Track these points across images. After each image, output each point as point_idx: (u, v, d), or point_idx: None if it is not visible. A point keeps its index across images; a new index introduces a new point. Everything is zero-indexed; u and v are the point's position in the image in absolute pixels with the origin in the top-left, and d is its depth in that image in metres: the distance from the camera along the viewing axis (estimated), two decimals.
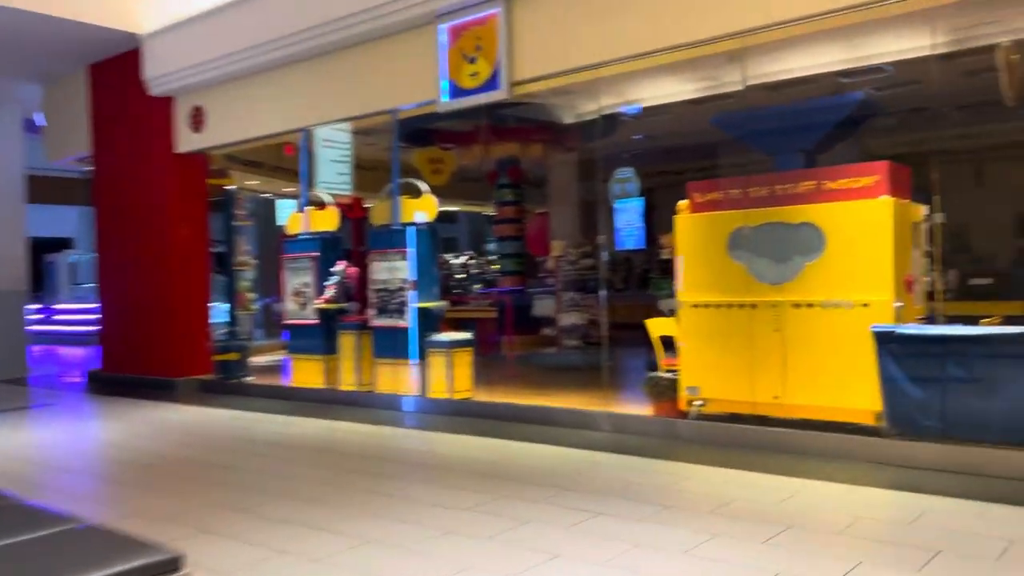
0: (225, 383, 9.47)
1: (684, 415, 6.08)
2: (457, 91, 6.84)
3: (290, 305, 8.98)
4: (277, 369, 10.64)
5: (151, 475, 5.51)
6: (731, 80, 9.52)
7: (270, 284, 11.88)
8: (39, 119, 11.91)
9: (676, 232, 6.19)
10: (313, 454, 5.93)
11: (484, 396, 7.57)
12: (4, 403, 9.04)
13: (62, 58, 10.21)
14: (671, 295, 9.57)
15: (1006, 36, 6.49)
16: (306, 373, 8.79)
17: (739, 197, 5.87)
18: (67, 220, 26.77)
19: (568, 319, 10.40)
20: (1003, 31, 6.54)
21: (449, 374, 7.49)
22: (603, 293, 10.24)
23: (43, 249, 23.66)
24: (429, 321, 7.91)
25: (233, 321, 9.88)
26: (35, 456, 6.29)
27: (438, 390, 7.56)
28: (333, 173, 10.89)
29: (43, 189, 21.50)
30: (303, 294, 8.87)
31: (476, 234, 23.16)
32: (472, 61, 6.72)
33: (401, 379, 7.89)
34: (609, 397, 6.82)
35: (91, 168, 11.14)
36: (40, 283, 24.69)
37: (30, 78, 11.11)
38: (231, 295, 9.89)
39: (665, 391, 6.24)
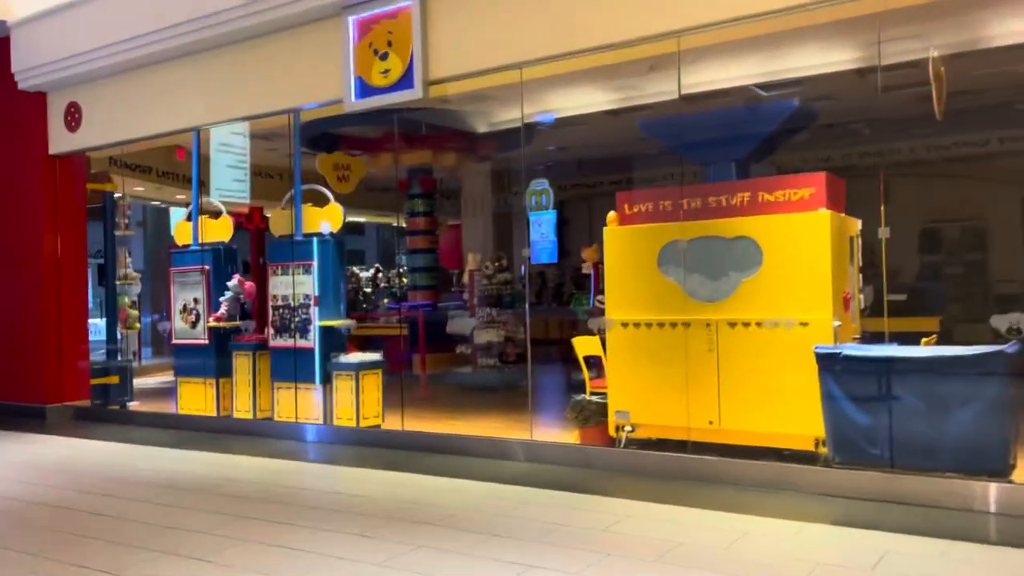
0: (103, 410, 8.52)
1: (613, 442, 5.65)
2: (367, 89, 6.25)
3: (178, 323, 8.14)
4: (167, 392, 9.72)
5: None
6: (649, 92, 9.31)
7: (162, 300, 10.90)
8: None
9: (604, 245, 5.78)
10: (201, 497, 5.20)
11: (395, 422, 6.97)
12: None
13: None
14: (589, 311, 9.23)
15: (928, 51, 6.41)
16: (195, 398, 7.96)
17: (671, 209, 5.51)
18: None
19: (484, 336, 9.90)
20: (924, 46, 6.46)
21: (356, 400, 6.86)
22: (525, 308, 9.88)
23: None
24: (334, 341, 7.26)
25: (113, 340, 8.92)
26: None
27: (344, 417, 6.91)
28: (229, 180, 10.14)
29: None
30: (193, 311, 8.05)
31: (384, 246, 22.44)
32: (383, 58, 6.14)
33: (303, 405, 7.19)
34: (531, 422, 6.35)
35: None
36: None
37: None
38: (111, 311, 8.93)
39: (592, 415, 5.80)
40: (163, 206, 13.93)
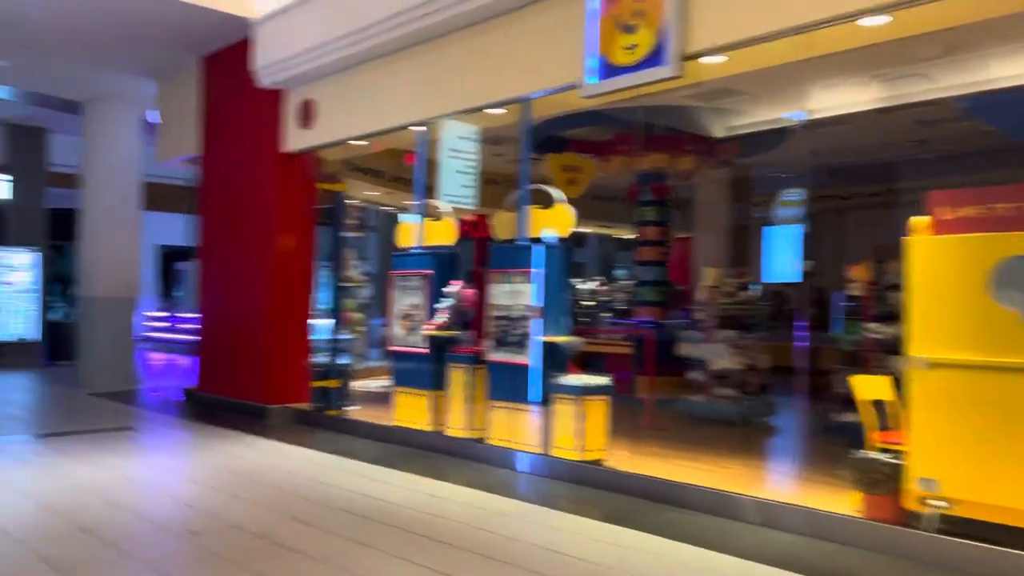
0: (322, 415, 8.32)
1: (906, 517, 4.31)
2: (608, 70, 5.37)
3: (396, 329, 7.73)
4: (386, 398, 9.48)
5: (181, 548, 4.27)
6: (940, 84, 7.66)
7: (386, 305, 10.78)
8: (153, 118, 11.35)
9: (908, 259, 4.45)
10: (400, 538, 4.54)
11: (621, 457, 6.01)
12: (83, 423, 8.23)
13: (174, 49, 9.49)
14: (854, 341, 7.68)
15: None
16: (411, 410, 7.49)
17: (1013, 214, 4.09)
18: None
19: (721, 362, 8.67)
20: None
21: (579, 428, 5.98)
22: (766, 331, 8.56)
23: (174, 258, 23.94)
24: (556, 358, 6.44)
25: (336, 344, 8.74)
26: (64, 503, 5.22)
27: (564, 447, 6.06)
28: (457, 185, 9.75)
29: (174, 197, 21.67)
30: (411, 317, 7.60)
31: (604, 259, 21.65)
32: (629, 31, 5.23)
33: (519, 428, 6.44)
34: (795, 478, 5.13)
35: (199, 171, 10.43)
36: (169, 291, 25.01)
37: (144, 73, 10.51)
38: (336, 314, 8.76)
39: (884, 480, 4.48)
40: (393, 211, 14.07)
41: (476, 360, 6.94)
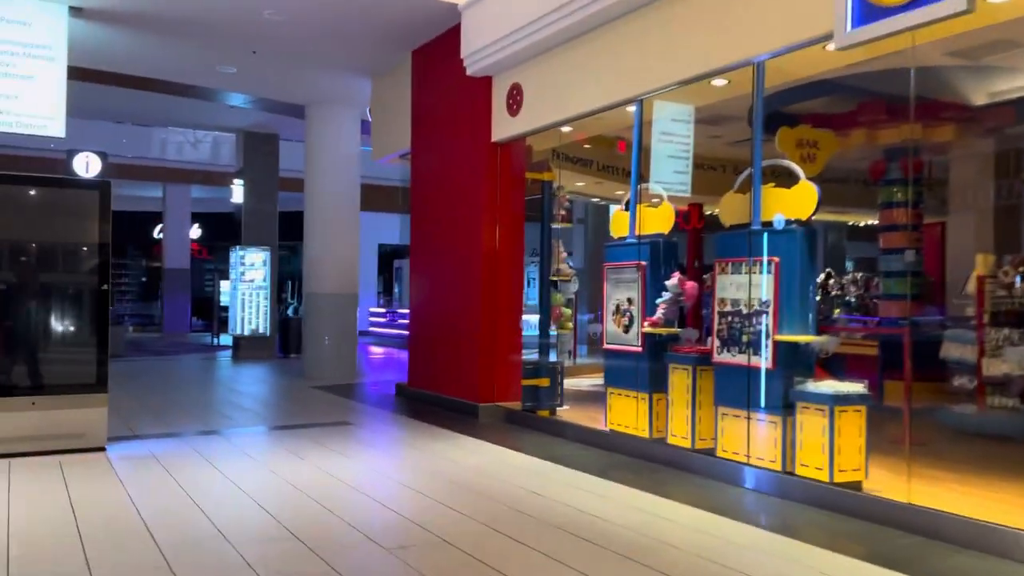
0: (532, 416, 7.92)
1: None
2: (870, 12, 4.41)
3: (609, 325, 7.14)
4: (598, 397, 8.95)
5: (386, 564, 3.92)
6: None
7: (597, 299, 10.25)
8: (368, 116, 11.58)
9: None
10: (618, 568, 3.93)
11: (881, 479, 5.02)
12: (304, 416, 8.41)
13: (388, 45, 9.52)
14: None
15: None
16: (625, 413, 6.87)
17: None
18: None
19: (998, 367, 7.24)
20: None
21: (829, 444, 5.06)
22: None
23: (393, 256, 24.97)
24: (797, 361, 5.54)
25: (545, 339, 8.31)
26: (279, 504, 5.10)
27: (811, 464, 5.16)
28: (669, 171, 9.07)
29: (392, 197, 22.53)
30: (626, 312, 6.97)
31: (832, 248, 19.81)
32: None
33: (753, 440, 5.61)
34: None
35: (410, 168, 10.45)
36: (388, 289, 26.18)
37: (360, 72, 10.70)
38: (544, 309, 8.32)
39: None
40: (603, 203, 13.50)
41: (700, 360, 6.19)
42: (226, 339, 18.12)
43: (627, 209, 7.25)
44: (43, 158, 18.63)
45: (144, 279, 29.40)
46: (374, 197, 17.82)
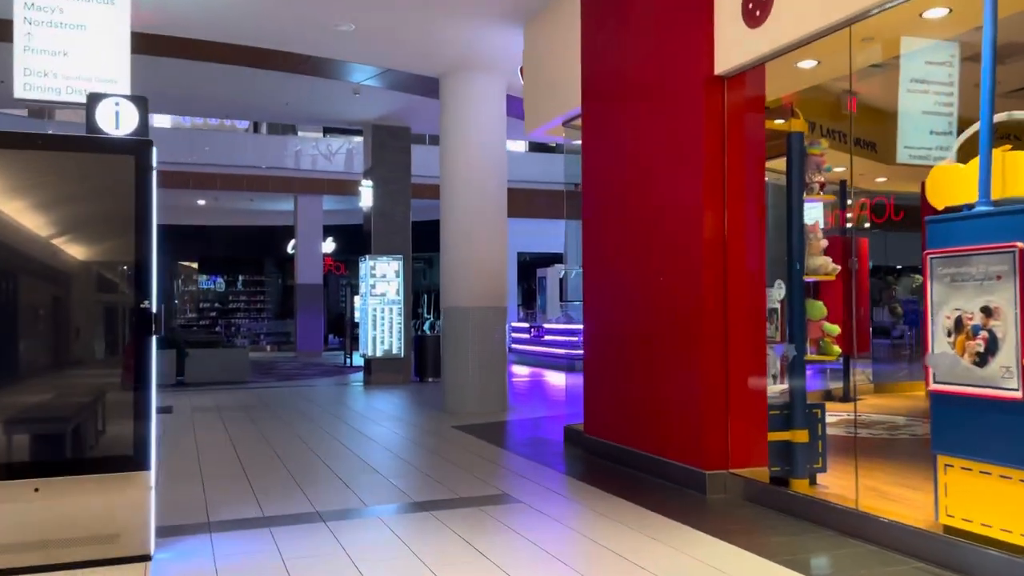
0: (786, 493, 5.11)
1: None
2: None
3: (942, 352, 4.24)
4: (881, 451, 6.05)
5: None
6: None
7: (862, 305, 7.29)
8: (519, 78, 9.12)
9: None
10: None
11: None
12: (445, 479, 5.93)
13: None
14: None
15: None
16: (987, 504, 3.97)
17: None
18: (555, 235, 25.82)
19: None
20: None
21: None
22: None
23: (533, 265, 22.54)
24: None
25: (795, 369, 5.48)
26: None
27: None
28: (925, 134, 6.48)
29: (532, 202, 20.13)
30: (978, 332, 4.07)
31: None
32: None
33: None
34: None
35: (575, 142, 7.87)
36: (529, 301, 23.81)
37: (506, 17, 8.25)
38: (798, 325, 5.47)
39: None
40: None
41: None
42: (359, 359, 16.24)
43: (962, 162, 4.35)
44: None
45: (280, 296, 28.46)
46: (513, 201, 15.59)
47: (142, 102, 4.27)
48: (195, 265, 28.49)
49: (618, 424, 6.54)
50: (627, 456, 6.30)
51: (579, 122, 7.39)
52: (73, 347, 4.09)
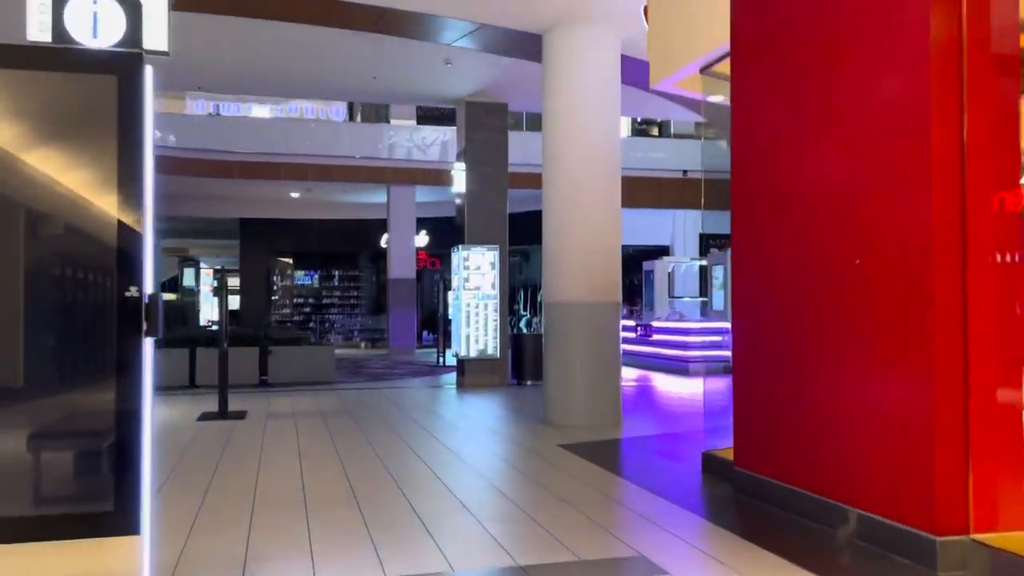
0: None
1: None
2: None
3: None
4: None
5: None
6: None
7: None
8: (644, 20, 7.57)
9: None
10: None
11: None
12: (556, 528, 4.45)
13: None
14: None
15: None
16: None
17: None
18: (659, 226, 24.00)
19: None
20: None
21: None
22: None
23: (635, 259, 20.84)
24: None
25: None
26: None
27: None
28: None
29: (637, 190, 18.45)
30: None
31: None
32: None
33: None
34: None
35: (715, 100, 6.31)
36: (632, 297, 22.10)
37: None
38: None
39: None
40: None
41: None
42: (451, 358, 15.06)
43: None
44: None
45: (374, 292, 27.72)
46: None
47: (133, 3, 2.98)
48: (289, 260, 28.07)
49: (788, 457, 4.92)
50: (801, 502, 4.69)
51: (723, 68, 5.80)
52: (26, 357, 2.84)
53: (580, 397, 8.33)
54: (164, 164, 19.66)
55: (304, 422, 8.75)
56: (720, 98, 6.13)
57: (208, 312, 27.47)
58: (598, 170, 8.46)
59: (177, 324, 23.04)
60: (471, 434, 8.05)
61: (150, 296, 2.85)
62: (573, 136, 8.50)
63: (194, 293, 28.29)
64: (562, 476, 6.00)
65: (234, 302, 26.63)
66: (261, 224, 25.95)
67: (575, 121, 8.48)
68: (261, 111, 23.76)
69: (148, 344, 2.87)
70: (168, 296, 37.87)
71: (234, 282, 26.78)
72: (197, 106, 23.81)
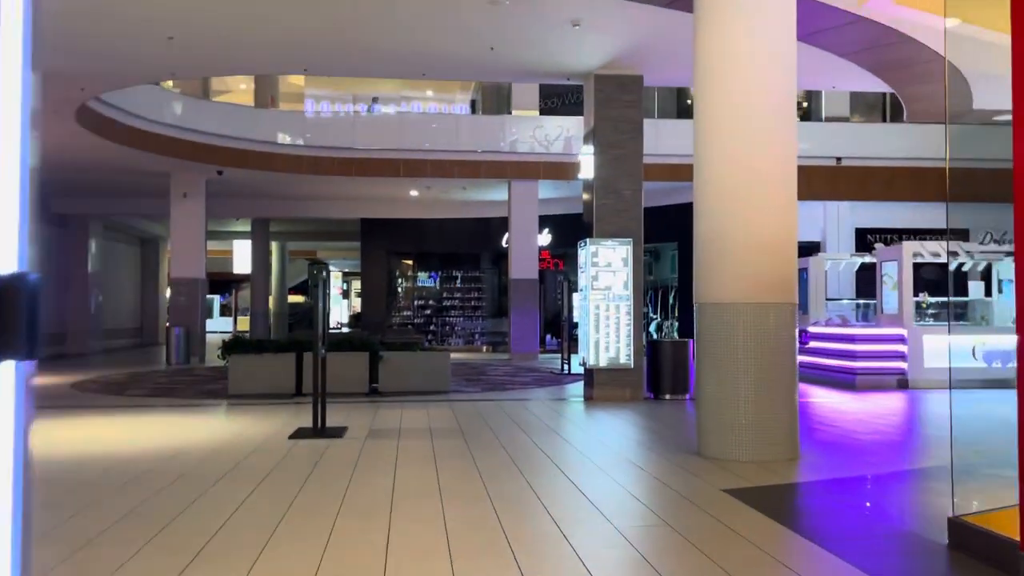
0: None
1: None
2: None
3: None
4: None
5: None
6: None
7: None
8: None
9: None
10: None
11: None
12: None
13: None
14: None
15: None
16: None
17: None
18: (810, 220, 21.51)
19: None
20: None
21: None
22: None
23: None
24: None
25: None
26: None
27: None
28: None
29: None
30: None
31: None
32: None
33: None
34: None
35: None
36: None
37: None
38: None
39: None
40: None
41: None
42: (576, 365, 13.53)
43: None
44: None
45: (496, 294, 26.54)
46: None
47: None
48: (410, 261, 27.32)
49: None
50: None
51: None
52: None
53: (745, 423, 6.58)
54: (284, 163, 18.99)
55: (408, 443, 7.43)
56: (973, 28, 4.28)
57: (336, 315, 27.15)
58: (768, 140, 6.70)
59: (307, 327, 22.71)
60: (603, 466, 6.47)
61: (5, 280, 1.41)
62: (735, 99, 6.77)
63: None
64: (734, 543, 4.31)
65: (356, 304, 26.07)
66: (382, 225, 25.31)
67: (740, 82, 6.75)
68: (385, 109, 23.30)
69: (14, 368, 1.45)
70: (295, 299, 38.23)
71: (357, 285, 26.24)
72: (323, 107, 23.68)
